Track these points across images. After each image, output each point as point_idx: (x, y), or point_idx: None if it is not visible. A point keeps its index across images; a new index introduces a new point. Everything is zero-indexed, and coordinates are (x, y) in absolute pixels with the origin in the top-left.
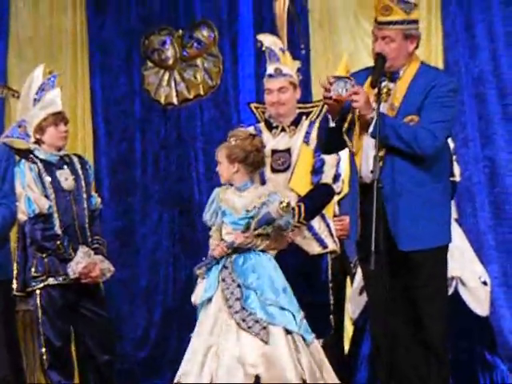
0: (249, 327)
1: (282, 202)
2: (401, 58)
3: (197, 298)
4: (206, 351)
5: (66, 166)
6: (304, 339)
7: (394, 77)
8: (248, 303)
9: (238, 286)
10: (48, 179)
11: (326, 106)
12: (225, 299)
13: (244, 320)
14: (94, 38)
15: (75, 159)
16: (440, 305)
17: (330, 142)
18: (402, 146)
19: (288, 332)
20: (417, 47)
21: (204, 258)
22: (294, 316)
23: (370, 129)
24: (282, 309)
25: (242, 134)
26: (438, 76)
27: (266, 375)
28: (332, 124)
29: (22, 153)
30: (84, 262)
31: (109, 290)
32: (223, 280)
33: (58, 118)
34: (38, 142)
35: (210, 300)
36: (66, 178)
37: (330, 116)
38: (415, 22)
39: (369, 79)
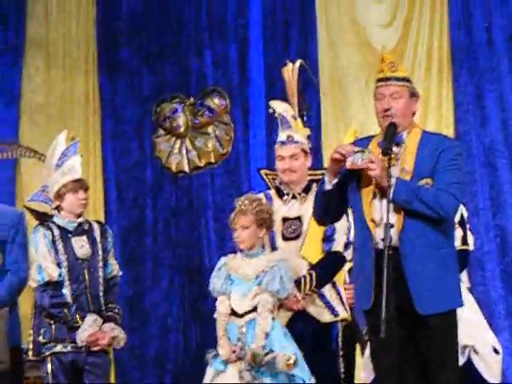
0: None
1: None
2: (407, 118)
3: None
4: None
5: (83, 233)
6: None
7: (398, 141)
8: (259, 372)
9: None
10: (62, 246)
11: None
12: (238, 371)
13: None
14: (107, 105)
15: (95, 226)
16: (453, 371)
17: (326, 207)
18: (425, 209)
19: None
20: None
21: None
22: (304, 382)
23: (390, 195)
24: (293, 376)
25: (258, 198)
26: (444, 140)
27: None
28: (328, 186)
29: (43, 217)
30: (91, 330)
31: (119, 357)
32: (234, 352)
33: (78, 184)
34: (58, 208)
35: (223, 372)
36: (81, 245)
37: (326, 178)
38: (412, 82)
39: (370, 146)
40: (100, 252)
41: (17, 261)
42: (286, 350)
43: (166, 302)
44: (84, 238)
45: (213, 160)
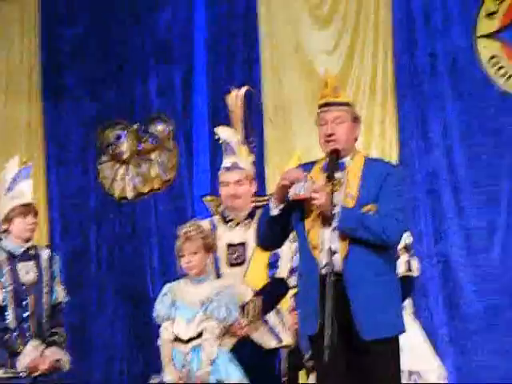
0: None
1: None
2: (350, 143)
3: None
4: None
5: (30, 259)
6: None
7: (341, 166)
8: None
9: None
10: (7, 271)
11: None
12: None
13: None
14: (50, 130)
15: (43, 252)
16: None
17: (270, 233)
18: (370, 236)
19: None
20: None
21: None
22: None
23: (334, 224)
24: None
25: (200, 224)
26: (387, 166)
27: None
28: (275, 212)
29: None
30: (32, 356)
31: None
32: (180, 379)
33: (27, 209)
34: (6, 231)
35: None
36: (26, 271)
37: (272, 204)
38: (354, 107)
39: (313, 171)
40: (46, 278)
41: None
42: (232, 377)
43: (111, 329)
44: (31, 263)
45: (156, 186)
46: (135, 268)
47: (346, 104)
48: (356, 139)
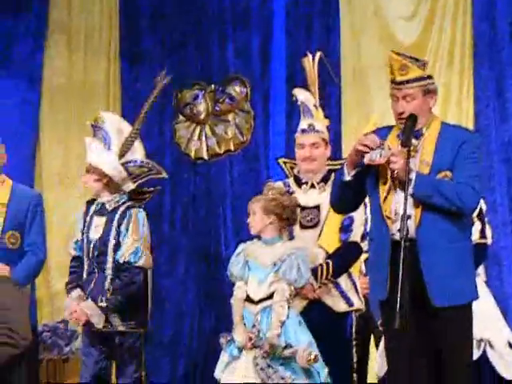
0: None
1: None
2: (424, 114)
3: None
4: None
5: (103, 215)
6: None
7: (417, 134)
8: (274, 360)
9: None
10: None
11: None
12: (253, 357)
13: (269, 377)
14: (127, 90)
15: (121, 208)
16: (466, 365)
17: (343, 197)
18: (445, 203)
19: None
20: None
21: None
22: (318, 373)
23: (410, 189)
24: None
25: (280, 189)
26: (464, 132)
27: None
28: (347, 177)
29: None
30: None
31: None
32: (250, 339)
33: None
34: None
35: (236, 358)
36: (96, 225)
37: (345, 169)
38: (431, 77)
39: (390, 136)
40: (113, 234)
41: (35, 242)
42: (301, 340)
43: (183, 288)
44: (103, 219)
45: (232, 148)
46: (209, 228)
47: (416, 79)
48: (431, 109)
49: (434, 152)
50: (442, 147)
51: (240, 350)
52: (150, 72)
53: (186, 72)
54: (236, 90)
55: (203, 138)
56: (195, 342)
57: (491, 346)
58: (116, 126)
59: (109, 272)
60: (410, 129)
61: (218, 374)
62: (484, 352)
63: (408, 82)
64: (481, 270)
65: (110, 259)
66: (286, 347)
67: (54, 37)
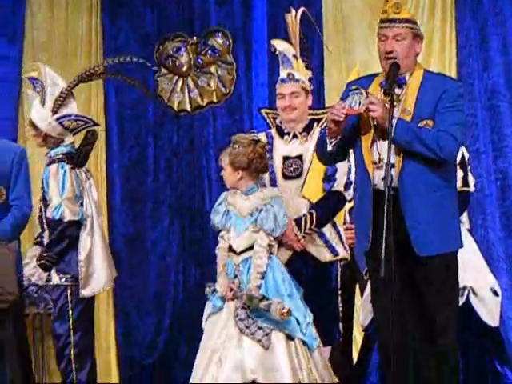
0: (252, 333)
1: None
2: (410, 59)
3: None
4: (211, 357)
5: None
6: (307, 345)
7: (400, 82)
8: (253, 312)
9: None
10: None
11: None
12: (234, 308)
13: (248, 327)
14: (109, 44)
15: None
16: (451, 313)
17: (328, 156)
18: (425, 150)
19: (290, 338)
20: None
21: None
22: (298, 322)
23: (391, 135)
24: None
25: (244, 141)
26: (446, 81)
27: (262, 381)
28: (330, 147)
29: None
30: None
31: (119, 296)
32: (231, 290)
33: None
34: None
35: (219, 309)
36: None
37: (327, 140)
38: (417, 23)
39: (373, 85)
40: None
41: (21, 196)
42: (280, 287)
43: (166, 242)
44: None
45: (215, 99)
46: (192, 180)
47: (408, 20)
48: (417, 55)
49: (415, 101)
50: (424, 96)
51: (223, 300)
52: (132, 24)
53: (167, 24)
54: (218, 41)
55: (186, 91)
56: (180, 295)
57: (474, 293)
58: (52, 81)
59: (45, 229)
60: (392, 77)
61: (203, 324)
62: (467, 299)
63: (401, 21)
64: (464, 218)
65: (43, 216)
66: (262, 299)
67: None
